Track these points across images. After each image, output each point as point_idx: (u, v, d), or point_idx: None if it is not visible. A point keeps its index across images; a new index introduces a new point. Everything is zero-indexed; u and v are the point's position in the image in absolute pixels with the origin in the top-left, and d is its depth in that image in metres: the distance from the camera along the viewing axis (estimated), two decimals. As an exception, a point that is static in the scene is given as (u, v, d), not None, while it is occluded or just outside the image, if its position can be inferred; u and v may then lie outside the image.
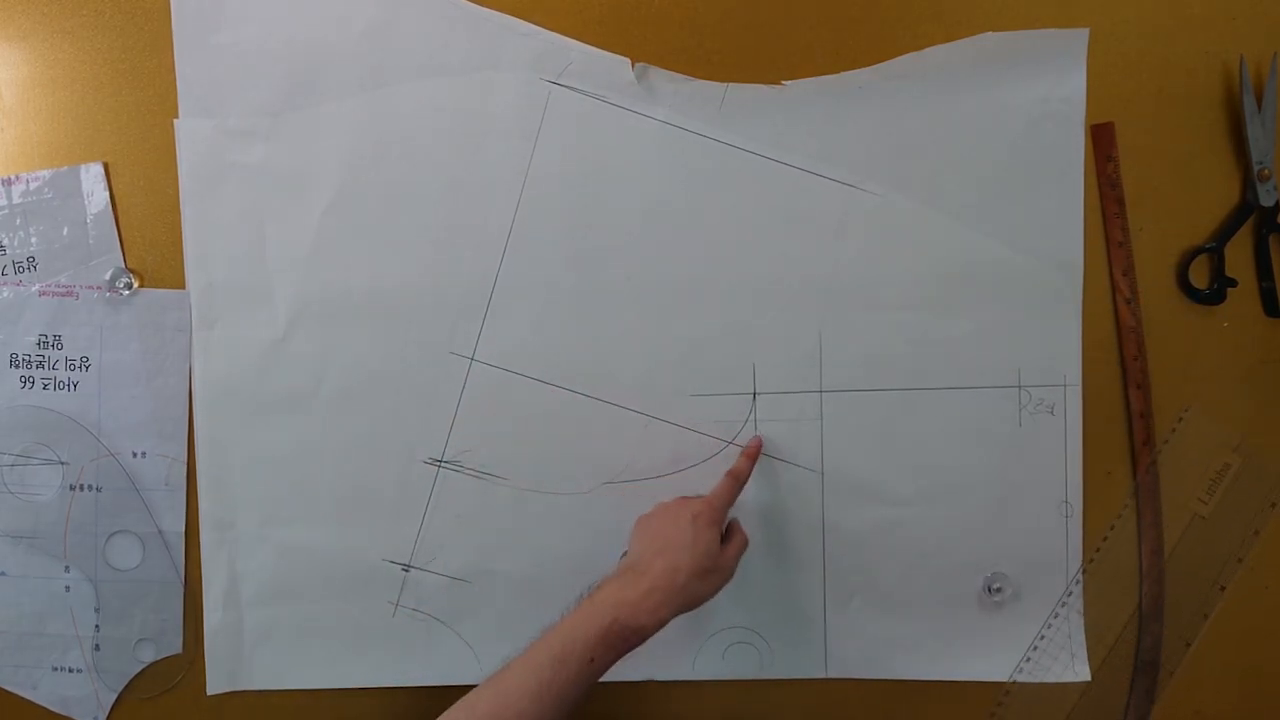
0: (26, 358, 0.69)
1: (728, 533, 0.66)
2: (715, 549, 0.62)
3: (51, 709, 0.71)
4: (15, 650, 0.71)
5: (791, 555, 0.71)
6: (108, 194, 0.69)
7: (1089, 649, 0.72)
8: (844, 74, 0.69)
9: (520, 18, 0.68)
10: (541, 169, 0.69)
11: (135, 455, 0.70)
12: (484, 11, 0.68)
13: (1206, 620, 0.69)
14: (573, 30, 0.68)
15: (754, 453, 0.69)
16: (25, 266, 0.69)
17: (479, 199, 0.69)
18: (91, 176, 0.69)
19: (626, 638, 0.58)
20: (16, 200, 0.69)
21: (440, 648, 0.71)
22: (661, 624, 0.59)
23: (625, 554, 0.65)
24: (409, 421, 0.70)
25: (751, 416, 0.70)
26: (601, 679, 0.72)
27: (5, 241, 0.69)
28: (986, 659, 0.72)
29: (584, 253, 0.69)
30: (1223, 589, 0.70)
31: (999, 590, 0.71)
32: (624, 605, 0.58)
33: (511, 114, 0.68)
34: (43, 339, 0.69)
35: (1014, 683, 0.72)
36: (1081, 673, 0.72)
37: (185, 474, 0.70)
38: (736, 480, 0.67)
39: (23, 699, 0.71)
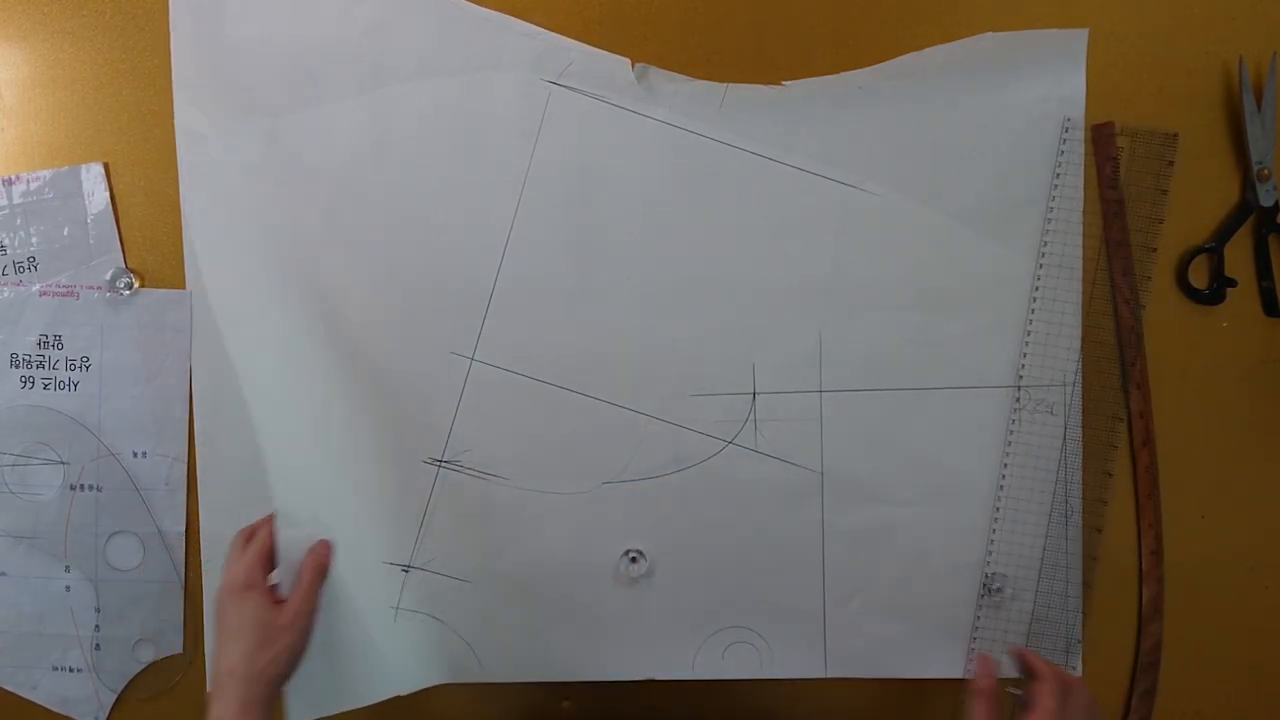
0: (27, 358, 0.69)
1: (298, 578, 0.63)
2: (260, 613, 0.59)
3: (51, 709, 0.71)
4: (15, 650, 0.71)
5: (791, 555, 0.71)
6: (108, 194, 0.69)
7: (1089, 649, 0.72)
8: (844, 74, 0.69)
9: (520, 18, 0.68)
10: (541, 169, 0.69)
11: (135, 455, 0.70)
12: (484, 11, 0.68)
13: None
14: (573, 30, 0.68)
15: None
16: (26, 266, 0.69)
17: (479, 199, 0.69)
18: (92, 176, 0.69)
19: None
20: (17, 200, 0.69)
21: (441, 648, 0.71)
22: None
23: None
24: (409, 421, 0.70)
25: (751, 416, 0.70)
26: (600, 678, 0.72)
27: (6, 241, 0.69)
28: (986, 659, 0.72)
29: (584, 253, 0.69)
30: (1153, 249, 0.70)
31: (999, 590, 0.71)
32: None
33: (512, 114, 0.68)
34: (43, 339, 0.69)
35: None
36: (1080, 672, 0.72)
37: (185, 474, 0.70)
38: (263, 548, 0.63)
39: (23, 699, 0.71)
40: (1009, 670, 0.68)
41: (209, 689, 0.59)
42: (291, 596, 0.62)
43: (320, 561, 0.64)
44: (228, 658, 0.57)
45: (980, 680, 0.64)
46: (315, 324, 0.69)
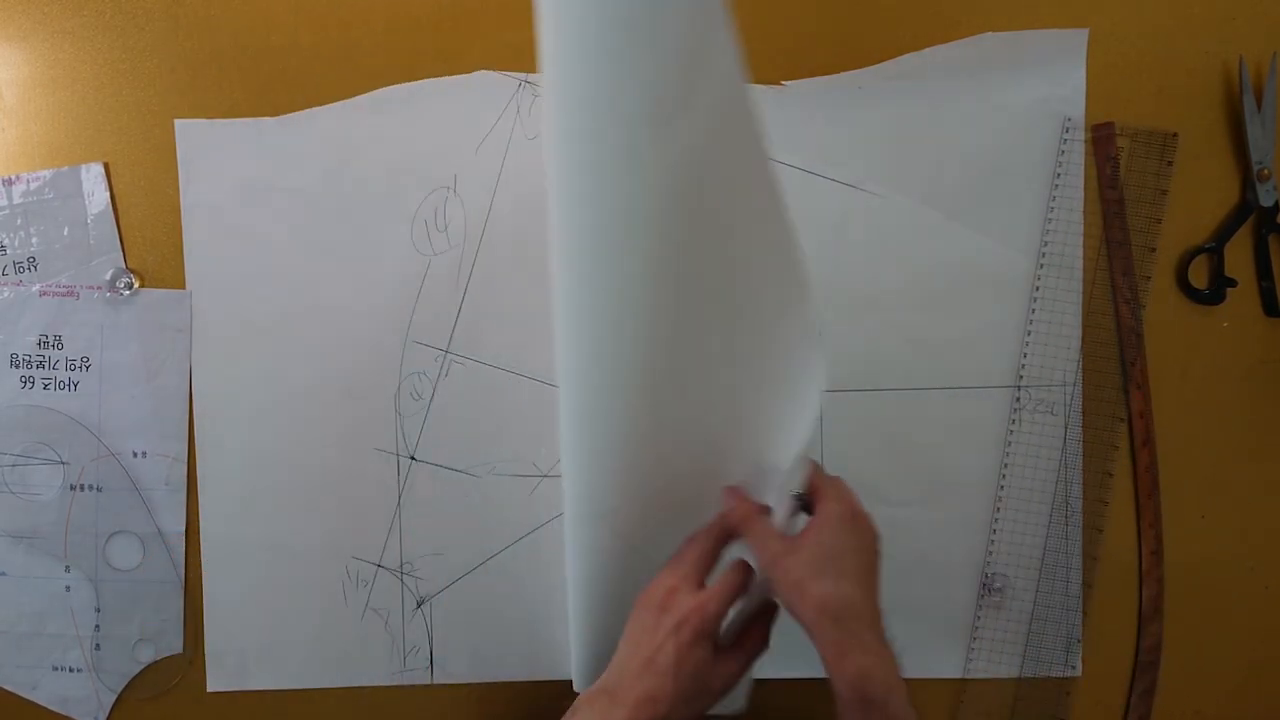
0: (27, 358, 0.69)
1: (739, 638, 0.55)
2: (704, 669, 0.52)
3: (51, 709, 0.71)
4: (15, 650, 0.71)
5: (791, 555, 0.71)
6: (108, 194, 0.69)
7: (1089, 649, 0.72)
8: (844, 74, 0.69)
9: (515, 18, 0.68)
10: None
11: (135, 455, 0.70)
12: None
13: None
14: (573, 30, 0.68)
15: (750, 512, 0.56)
16: (26, 266, 0.69)
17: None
18: (92, 176, 0.69)
19: None
20: (17, 200, 0.69)
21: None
22: None
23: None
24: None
25: (751, 416, 0.70)
26: (602, 679, 0.72)
27: (6, 241, 0.69)
28: (986, 659, 0.72)
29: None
30: (1153, 249, 0.69)
31: (999, 590, 0.71)
32: None
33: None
34: (43, 339, 0.69)
35: (1013, 681, 0.72)
36: (1080, 672, 0.72)
37: (185, 474, 0.70)
38: (737, 582, 0.54)
39: (23, 699, 0.71)
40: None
41: (604, 688, 0.52)
42: (734, 661, 0.54)
43: (765, 636, 0.56)
44: (656, 687, 0.51)
45: (741, 508, 0.54)
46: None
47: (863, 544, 0.53)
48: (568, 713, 0.53)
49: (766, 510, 0.55)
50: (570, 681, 0.71)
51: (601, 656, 0.63)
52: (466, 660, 0.72)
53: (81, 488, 0.70)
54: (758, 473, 0.57)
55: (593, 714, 0.51)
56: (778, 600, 0.54)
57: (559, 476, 0.70)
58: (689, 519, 0.57)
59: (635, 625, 0.54)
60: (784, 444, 0.55)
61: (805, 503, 0.56)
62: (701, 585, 0.54)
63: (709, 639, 0.52)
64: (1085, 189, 0.70)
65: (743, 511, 0.54)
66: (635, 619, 0.54)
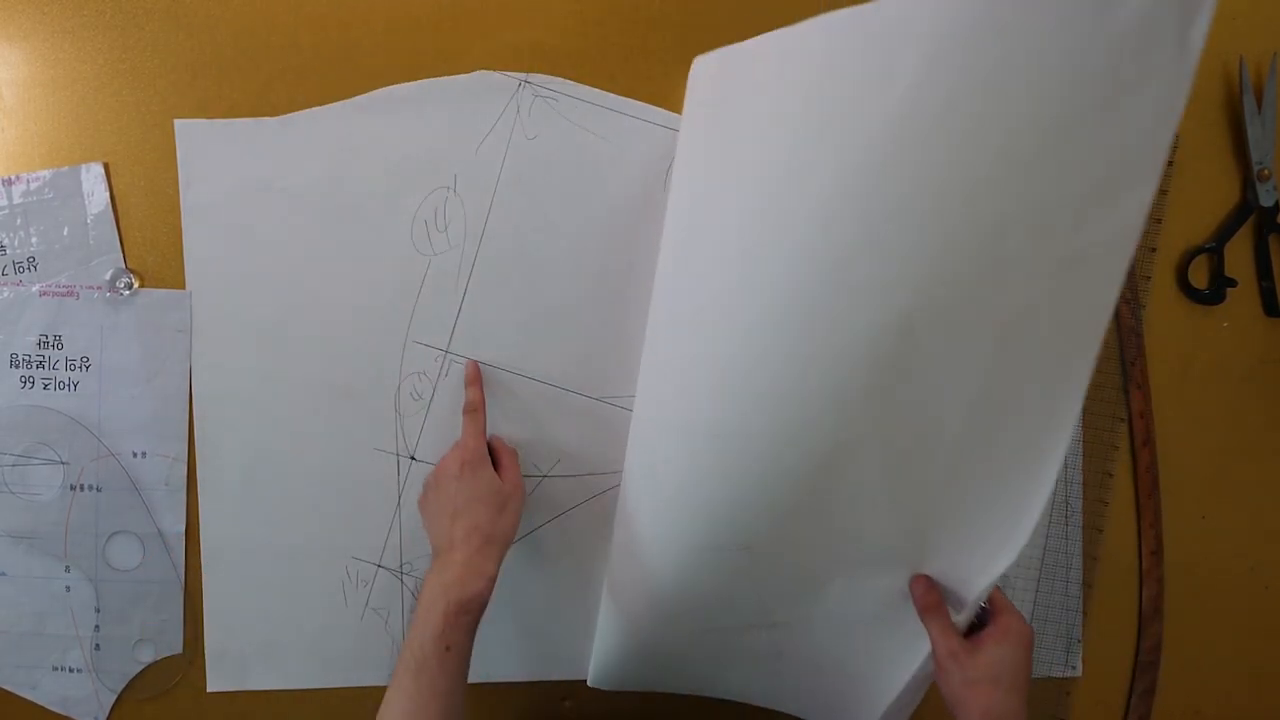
0: (27, 358, 0.69)
1: (494, 456, 0.66)
2: (495, 483, 0.63)
3: (51, 709, 0.71)
4: (15, 650, 0.71)
5: (791, 555, 0.71)
6: (108, 194, 0.69)
7: (1089, 649, 0.72)
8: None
9: (515, 18, 0.68)
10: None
11: (135, 455, 0.70)
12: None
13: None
14: (570, 30, 0.69)
15: (475, 377, 0.68)
16: (25, 266, 0.69)
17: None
18: (92, 176, 0.69)
19: (467, 610, 0.58)
20: (17, 200, 0.69)
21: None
22: (493, 578, 0.60)
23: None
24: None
25: (751, 416, 0.70)
26: (602, 679, 0.72)
27: (5, 241, 0.69)
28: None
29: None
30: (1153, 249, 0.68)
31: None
32: (450, 587, 0.58)
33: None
34: (43, 339, 0.69)
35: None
36: (1080, 672, 0.72)
37: (185, 474, 0.70)
38: (474, 412, 0.66)
39: (23, 699, 0.71)
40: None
41: (436, 554, 0.62)
42: (506, 468, 0.65)
43: (507, 447, 0.67)
44: (470, 519, 0.61)
45: (928, 597, 0.59)
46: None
47: (1029, 665, 0.58)
48: (417, 594, 0.58)
49: (944, 603, 0.59)
50: (569, 681, 0.72)
51: (627, 662, 0.69)
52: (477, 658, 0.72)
53: (81, 488, 0.70)
54: (939, 571, 0.59)
55: (436, 572, 0.60)
56: (942, 689, 0.58)
57: (559, 477, 0.71)
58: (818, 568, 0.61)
59: (430, 502, 0.64)
60: (987, 564, 0.56)
61: (984, 615, 0.58)
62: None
63: (483, 463, 0.63)
64: (1085, 189, 0.70)
65: (930, 601, 0.59)
66: (428, 502, 0.64)
